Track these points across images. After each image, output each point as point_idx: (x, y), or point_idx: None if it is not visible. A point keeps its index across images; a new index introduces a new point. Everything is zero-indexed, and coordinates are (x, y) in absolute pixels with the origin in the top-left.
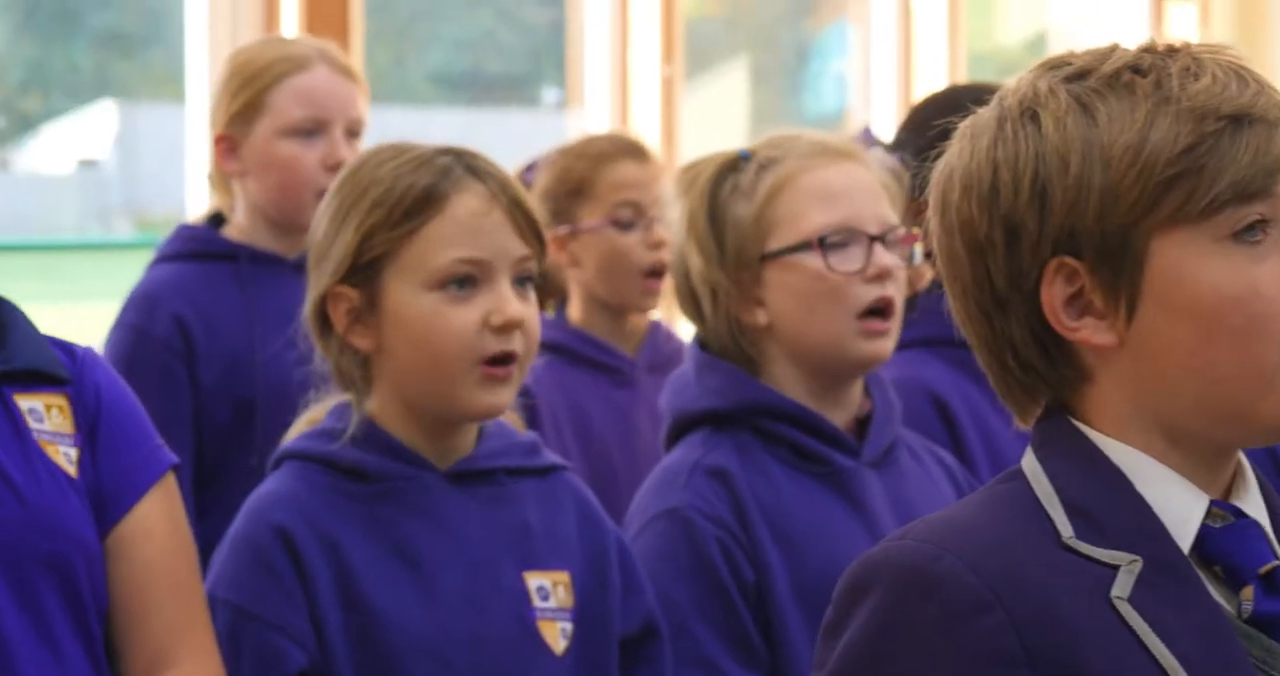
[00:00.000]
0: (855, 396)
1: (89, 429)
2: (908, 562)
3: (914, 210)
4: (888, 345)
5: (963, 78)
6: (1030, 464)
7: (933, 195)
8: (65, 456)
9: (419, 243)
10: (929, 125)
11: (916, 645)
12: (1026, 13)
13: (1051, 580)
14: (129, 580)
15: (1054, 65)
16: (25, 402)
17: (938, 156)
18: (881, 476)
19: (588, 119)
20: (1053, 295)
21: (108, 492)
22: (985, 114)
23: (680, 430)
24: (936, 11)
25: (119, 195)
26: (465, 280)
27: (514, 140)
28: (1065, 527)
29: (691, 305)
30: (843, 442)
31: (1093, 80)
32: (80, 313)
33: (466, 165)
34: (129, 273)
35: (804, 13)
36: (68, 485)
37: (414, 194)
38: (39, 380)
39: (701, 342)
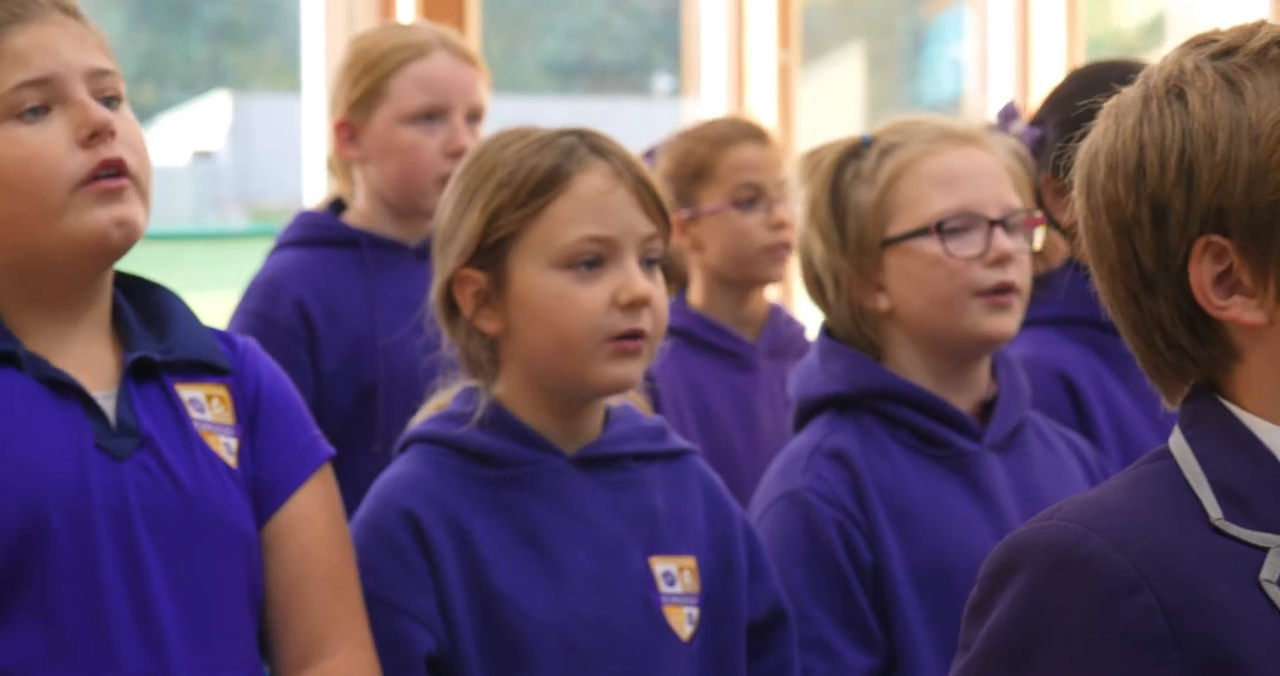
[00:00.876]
0: (981, 379)
1: (249, 419)
2: (1055, 543)
3: (1055, 188)
4: (1011, 321)
5: (1080, 62)
6: (1178, 444)
7: (1078, 175)
8: (225, 446)
9: (545, 222)
10: (1071, 103)
11: (1063, 626)
12: None
13: (1200, 562)
14: (285, 570)
15: (1200, 42)
16: (186, 392)
17: (1081, 136)
18: (1005, 460)
19: (703, 106)
20: (1201, 274)
21: (266, 483)
22: (1130, 93)
23: (805, 416)
24: None
25: (232, 185)
26: (593, 260)
27: (627, 129)
28: (1214, 509)
29: (816, 291)
30: (965, 426)
31: (1239, 57)
32: (194, 301)
33: (590, 144)
34: (242, 262)
35: None
36: (227, 475)
37: (539, 174)
38: (201, 370)
39: (827, 330)
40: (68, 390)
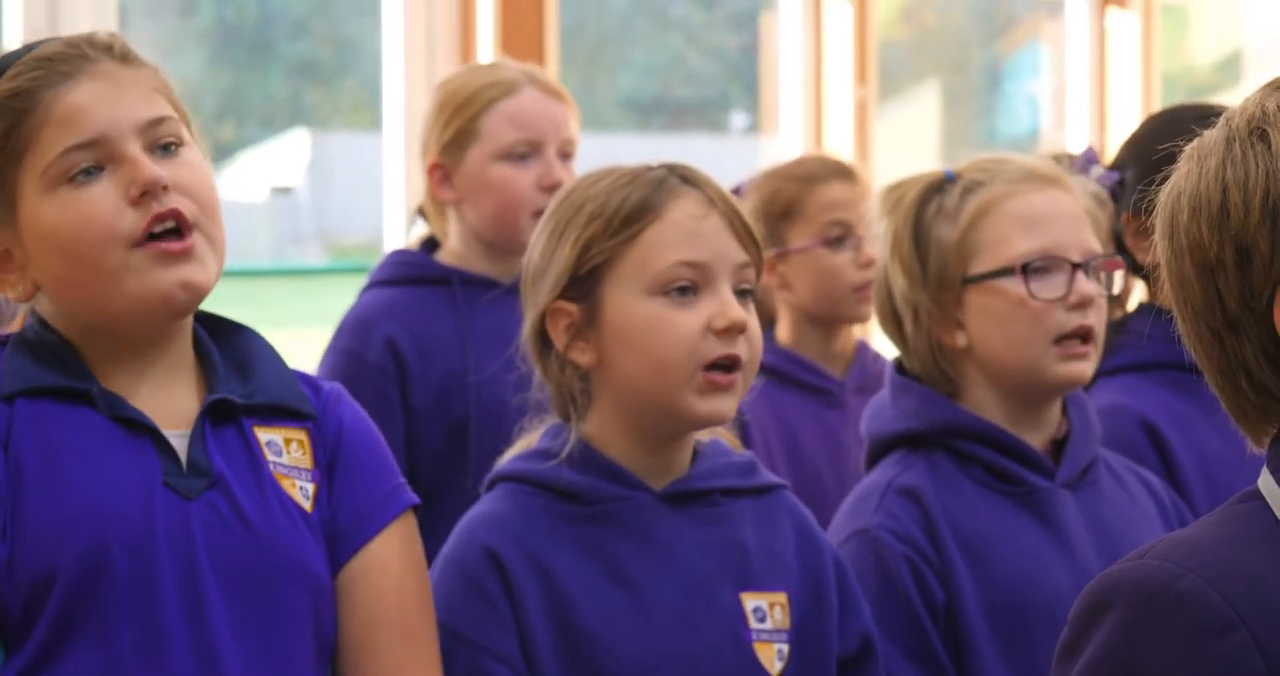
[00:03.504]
0: (1053, 417)
1: (328, 465)
2: (1149, 581)
3: (1136, 229)
4: (1086, 367)
5: (1156, 98)
6: (1268, 484)
7: (1160, 218)
8: (301, 491)
9: (638, 248)
10: (1150, 146)
11: (1157, 665)
12: (1220, 32)
13: None
14: (357, 616)
15: None
16: (264, 435)
17: (1163, 179)
18: (1078, 498)
19: (780, 143)
20: None
21: (342, 528)
22: (1212, 135)
23: (877, 453)
24: (1130, 32)
25: (311, 222)
26: (687, 287)
27: (703, 166)
28: None
29: (894, 325)
30: (1037, 463)
31: None
32: (272, 338)
33: (681, 176)
34: (321, 298)
35: (996, 34)
36: (300, 519)
37: (630, 204)
38: (282, 414)
39: (899, 366)
40: (140, 429)
